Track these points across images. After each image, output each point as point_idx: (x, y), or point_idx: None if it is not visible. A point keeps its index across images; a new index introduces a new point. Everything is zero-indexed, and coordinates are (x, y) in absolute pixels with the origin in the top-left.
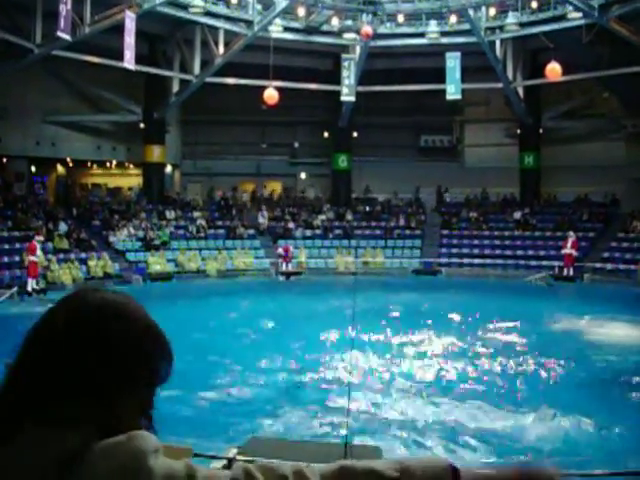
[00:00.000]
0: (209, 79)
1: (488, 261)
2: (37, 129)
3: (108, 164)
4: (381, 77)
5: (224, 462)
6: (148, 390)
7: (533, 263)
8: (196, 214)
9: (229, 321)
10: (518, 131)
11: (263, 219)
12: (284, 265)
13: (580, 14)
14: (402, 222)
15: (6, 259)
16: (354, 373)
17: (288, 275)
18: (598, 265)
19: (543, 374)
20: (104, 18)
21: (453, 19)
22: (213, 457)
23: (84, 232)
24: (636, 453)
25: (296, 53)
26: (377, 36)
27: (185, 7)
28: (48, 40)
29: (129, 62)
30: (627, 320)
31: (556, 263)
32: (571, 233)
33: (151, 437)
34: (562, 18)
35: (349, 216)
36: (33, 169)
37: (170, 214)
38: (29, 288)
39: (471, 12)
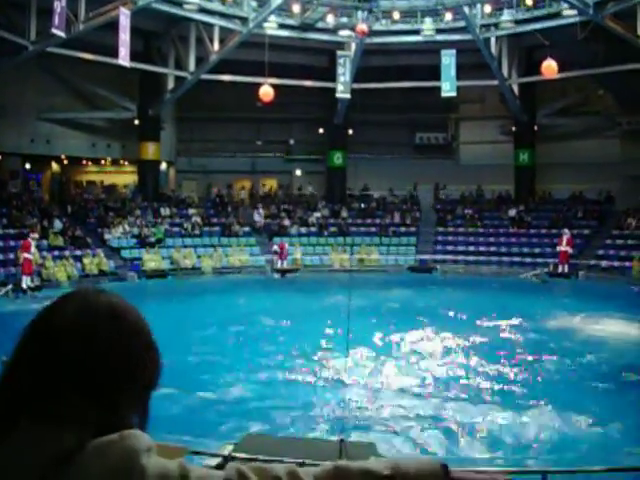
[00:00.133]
0: (204, 76)
1: (483, 258)
2: (32, 126)
3: (103, 161)
4: (376, 74)
5: (220, 459)
6: (144, 390)
7: (528, 260)
8: (191, 211)
9: (224, 319)
10: (513, 128)
11: (259, 217)
12: (279, 262)
13: (575, 11)
14: (397, 219)
15: (1, 257)
16: (349, 370)
17: (283, 272)
18: (593, 262)
19: (538, 371)
20: (99, 15)
21: (448, 16)
22: (209, 454)
23: (79, 229)
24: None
25: (291, 50)
26: (372, 33)
27: (180, 4)
28: (42, 37)
29: (124, 59)
30: (621, 317)
31: (551, 260)
32: (566, 230)
33: (144, 436)
34: (557, 15)
35: (344, 213)
36: (28, 166)
37: (165, 211)
38: (23, 285)
39: (466, 9)
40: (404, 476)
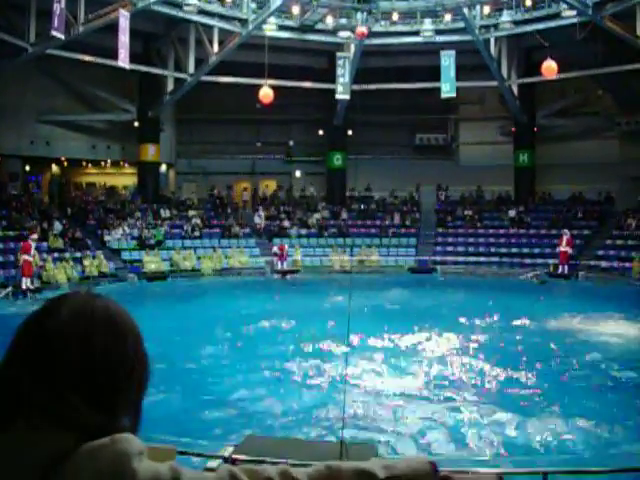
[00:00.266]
0: (204, 78)
1: (483, 259)
2: (31, 128)
3: (103, 163)
4: (376, 75)
5: (220, 461)
6: (137, 393)
7: (528, 261)
8: (191, 213)
9: (223, 320)
10: (513, 129)
11: (260, 219)
12: (279, 264)
13: (574, 12)
14: (397, 220)
15: (1, 259)
16: (349, 372)
17: (284, 274)
18: (593, 263)
19: (537, 372)
20: (98, 17)
21: (448, 17)
22: (209, 456)
23: (79, 231)
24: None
25: (291, 51)
26: (372, 34)
27: (179, 6)
28: (42, 39)
29: (123, 61)
30: (622, 318)
31: (551, 261)
32: (566, 231)
33: (135, 440)
34: (556, 16)
35: (344, 214)
36: (27, 168)
37: (165, 213)
38: (23, 286)
39: (466, 10)
40: (396, 476)
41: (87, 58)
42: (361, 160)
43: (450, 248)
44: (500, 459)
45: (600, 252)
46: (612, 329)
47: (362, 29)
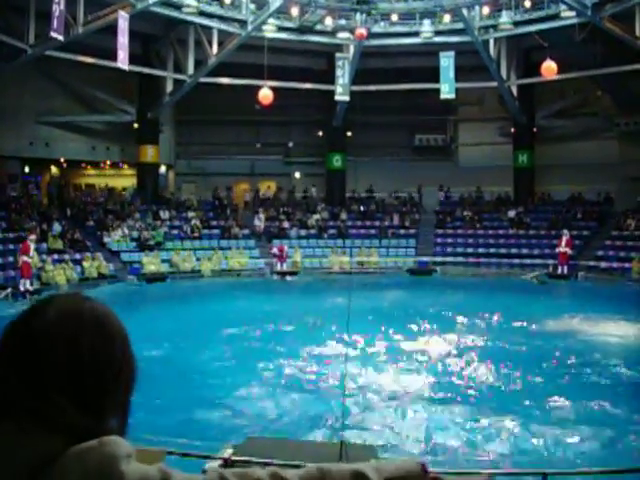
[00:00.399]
0: (203, 79)
1: (483, 260)
2: (31, 130)
3: (102, 164)
4: (375, 76)
5: (220, 462)
6: (125, 395)
7: (527, 261)
8: (190, 214)
9: (222, 322)
10: (512, 130)
11: (259, 222)
12: (279, 265)
13: (573, 13)
14: (397, 221)
15: (0, 260)
16: (349, 373)
17: (283, 275)
18: (592, 263)
19: (537, 372)
20: (97, 18)
21: (447, 18)
22: (208, 457)
23: (78, 232)
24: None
25: (290, 53)
26: (371, 35)
27: (179, 7)
28: (41, 40)
29: (123, 62)
30: (621, 318)
31: (550, 261)
32: (565, 231)
33: (123, 442)
34: (555, 17)
35: (344, 216)
36: (27, 170)
37: (164, 214)
38: (21, 287)
39: (465, 11)
40: (386, 476)
41: (86, 59)
42: (360, 161)
43: (450, 249)
44: (500, 459)
45: (599, 252)
46: (612, 329)
47: (361, 30)
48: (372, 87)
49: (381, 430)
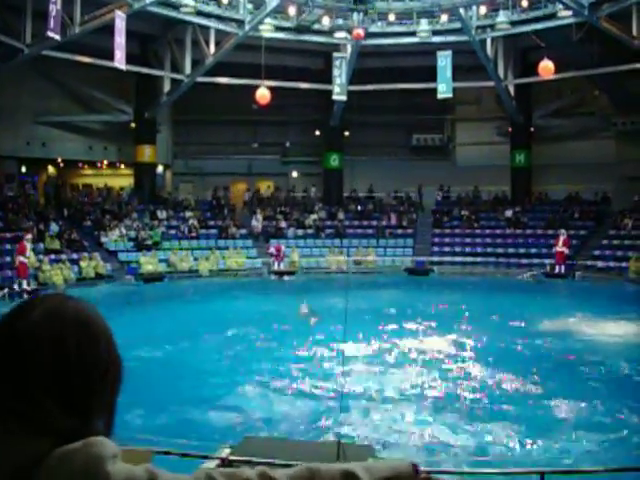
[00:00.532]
0: (200, 79)
1: (480, 259)
2: (28, 129)
3: (99, 164)
4: (372, 76)
5: (217, 462)
6: (111, 395)
7: (524, 261)
8: (188, 214)
9: (220, 322)
10: (509, 129)
11: (257, 223)
12: (276, 264)
13: (570, 12)
14: (394, 221)
15: None
16: (346, 373)
17: (280, 274)
18: (589, 263)
19: (536, 372)
20: (94, 18)
21: (444, 18)
22: (206, 457)
23: (75, 232)
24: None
25: (287, 52)
26: (368, 35)
27: (176, 7)
28: (38, 40)
29: (120, 62)
30: (619, 318)
31: (547, 261)
32: (562, 231)
33: (109, 443)
34: (552, 16)
35: (341, 215)
36: (24, 170)
37: (162, 214)
38: (16, 287)
39: (462, 11)
40: (376, 476)
41: (83, 59)
42: (358, 161)
43: (447, 248)
44: (498, 459)
45: (597, 252)
46: (610, 329)
47: (358, 31)
48: (369, 87)
49: (379, 430)
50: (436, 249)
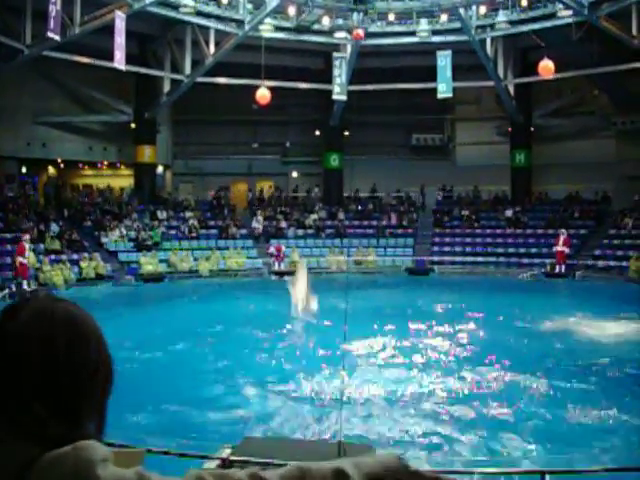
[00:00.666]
0: (200, 79)
1: (480, 259)
2: (28, 130)
3: (99, 165)
4: (372, 76)
5: (218, 462)
6: (102, 397)
7: (525, 260)
8: (188, 214)
9: (221, 322)
10: (509, 129)
11: (257, 224)
12: (276, 264)
13: (570, 12)
14: (394, 221)
15: None
16: (346, 373)
17: (281, 275)
18: (590, 262)
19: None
20: (94, 18)
21: (444, 17)
22: (206, 457)
23: (76, 233)
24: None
25: (287, 52)
26: (368, 35)
27: (176, 7)
28: (38, 41)
29: (119, 62)
30: (619, 317)
31: (548, 260)
32: (563, 230)
33: (99, 446)
34: (552, 16)
35: (341, 215)
36: (24, 170)
37: (162, 214)
38: (13, 288)
39: (462, 10)
40: (371, 475)
41: (83, 60)
42: (358, 161)
43: (447, 248)
44: (498, 459)
45: (597, 251)
46: (610, 328)
47: (358, 31)
48: (369, 87)
49: (379, 430)
50: (436, 249)
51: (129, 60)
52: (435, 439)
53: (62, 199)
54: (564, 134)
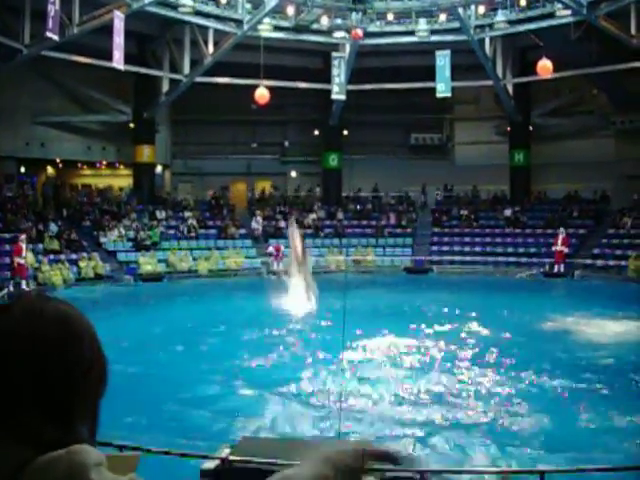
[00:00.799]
0: (199, 79)
1: (479, 258)
2: (27, 130)
3: (98, 165)
4: (371, 75)
5: (217, 462)
6: (94, 398)
7: (524, 260)
8: (187, 214)
9: (219, 322)
10: (508, 129)
11: (257, 225)
12: (275, 264)
13: (569, 11)
14: (393, 220)
15: None
16: (345, 373)
17: (280, 274)
18: (588, 261)
19: (535, 371)
20: (93, 18)
21: (443, 17)
22: (206, 457)
23: (74, 233)
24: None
25: (286, 52)
26: (367, 34)
27: (174, 7)
28: (37, 40)
29: (118, 62)
30: (618, 316)
31: (547, 260)
32: (562, 230)
33: (93, 450)
34: (551, 15)
35: (340, 215)
36: (22, 170)
37: (161, 214)
38: (11, 288)
39: (460, 10)
40: (342, 467)
41: (82, 59)
42: (357, 160)
43: (446, 248)
44: (498, 459)
45: (596, 251)
46: (609, 327)
47: (357, 31)
48: (368, 86)
49: (379, 429)
50: (435, 248)
51: (128, 60)
52: (435, 439)
53: (61, 199)
54: (563, 133)
